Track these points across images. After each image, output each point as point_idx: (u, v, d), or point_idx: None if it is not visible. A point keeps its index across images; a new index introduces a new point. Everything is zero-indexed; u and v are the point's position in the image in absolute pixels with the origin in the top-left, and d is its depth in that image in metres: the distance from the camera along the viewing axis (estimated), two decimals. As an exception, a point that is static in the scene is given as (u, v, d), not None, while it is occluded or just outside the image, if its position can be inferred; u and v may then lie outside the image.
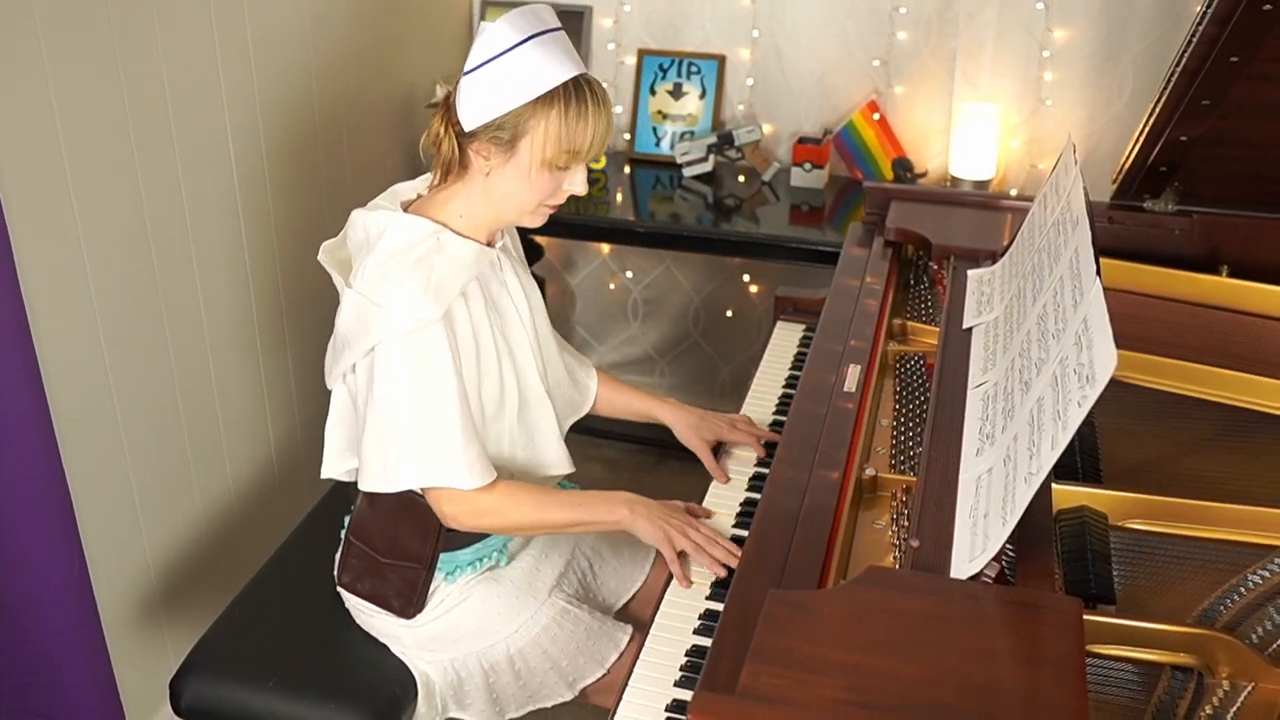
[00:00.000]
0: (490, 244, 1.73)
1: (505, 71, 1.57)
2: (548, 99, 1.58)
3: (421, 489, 1.69)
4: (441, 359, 1.62)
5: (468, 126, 1.61)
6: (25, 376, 1.74)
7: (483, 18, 3.25)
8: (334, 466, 1.82)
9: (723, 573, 1.65)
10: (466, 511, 1.69)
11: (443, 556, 1.79)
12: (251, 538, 2.55)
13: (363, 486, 1.70)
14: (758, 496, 1.75)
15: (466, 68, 1.60)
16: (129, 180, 2.10)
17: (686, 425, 1.97)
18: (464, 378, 1.65)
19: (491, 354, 1.71)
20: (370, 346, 1.62)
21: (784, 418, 1.88)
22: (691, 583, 1.66)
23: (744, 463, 1.93)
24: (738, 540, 1.69)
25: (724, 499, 1.83)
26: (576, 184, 1.68)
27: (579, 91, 1.60)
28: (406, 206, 1.73)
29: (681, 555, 1.68)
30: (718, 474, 1.88)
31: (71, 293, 2.00)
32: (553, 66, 1.58)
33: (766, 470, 1.76)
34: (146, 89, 2.10)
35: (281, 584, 1.98)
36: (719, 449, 1.96)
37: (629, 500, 1.74)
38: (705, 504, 1.82)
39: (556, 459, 1.85)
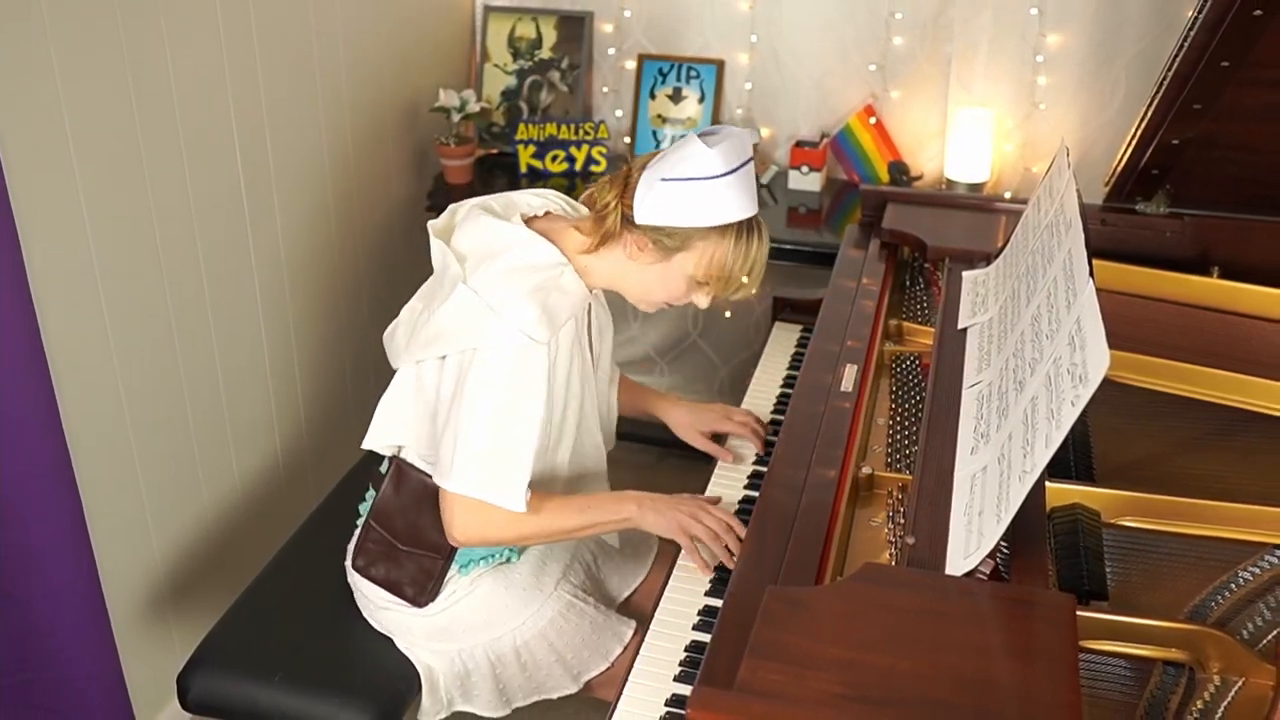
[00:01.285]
0: (591, 289, 1.74)
1: (699, 195, 1.61)
2: (722, 230, 1.63)
3: (456, 497, 1.65)
4: (538, 382, 1.62)
5: (639, 220, 1.64)
6: (34, 377, 1.74)
7: (485, 24, 3.26)
8: (377, 439, 1.79)
9: (732, 564, 1.64)
10: (478, 523, 1.66)
11: (460, 549, 1.78)
12: (257, 535, 2.55)
13: (438, 479, 1.68)
14: (756, 494, 1.75)
15: (664, 172, 1.62)
16: (137, 183, 2.10)
17: (685, 421, 1.98)
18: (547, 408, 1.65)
19: (563, 389, 1.71)
20: (472, 347, 1.61)
21: (782, 417, 1.88)
22: (713, 569, 1.66)
23: (742, 461, 1.93)
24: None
25: (723, 496, 1.83)
26: (703, 300, 1.73)
27: (750, 232, 1.66)
28: (528, 221, 1.72)
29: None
30: (724, 454, 1.89)
31: (80, 293, 2.00)
32: (740, 203, 1.63)
33: (765, 468, 1.76)
34: (154, 95, 2.10)
35: (287, 580, 1.98)
36: (719, 441, 1.96)
37: (636, 497, 1.74)
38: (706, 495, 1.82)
39: (598, 489, 1.87)
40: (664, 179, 1.61)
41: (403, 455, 1.80)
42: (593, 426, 1.82)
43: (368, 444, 1.80)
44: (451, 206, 1.78)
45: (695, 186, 1.60)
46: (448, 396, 1.65)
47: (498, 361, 1.60)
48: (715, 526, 1.68)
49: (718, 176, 1.60)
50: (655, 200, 1.62)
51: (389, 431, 1.78)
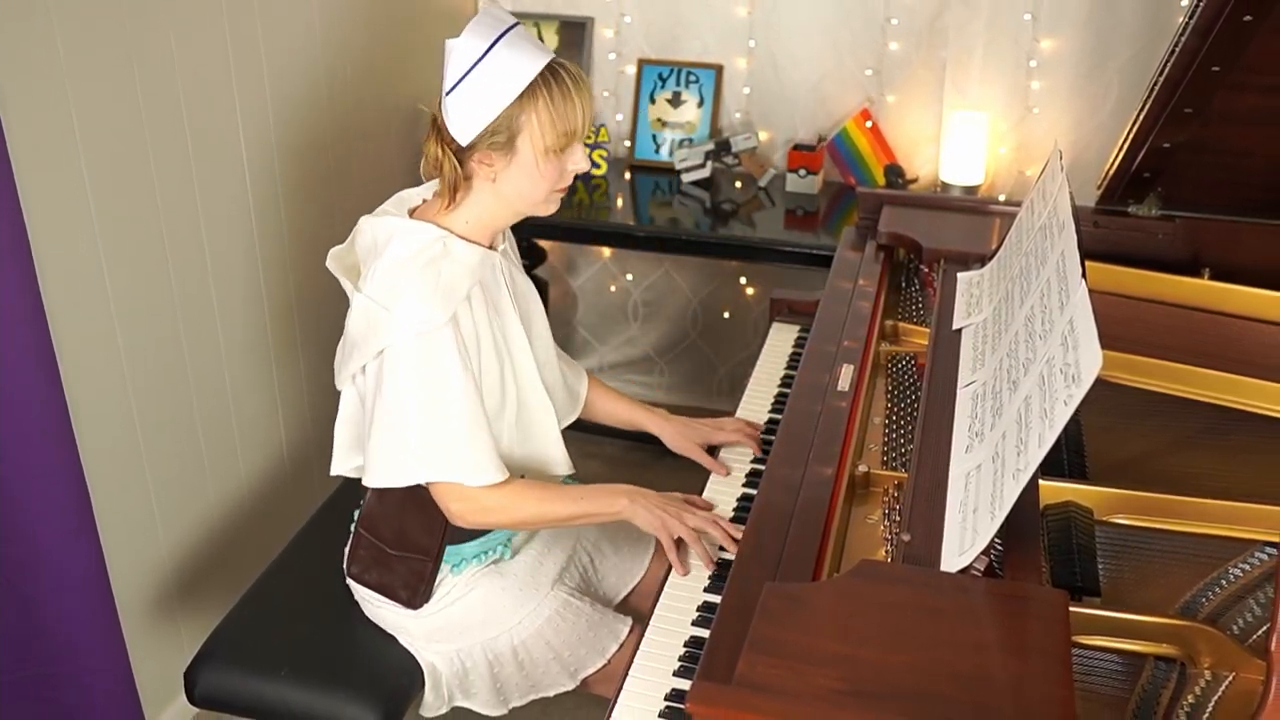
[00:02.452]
0: (492, 247, 1.73)
1: (484, 79, 1.58)
2: (531, 92, 1.59)
3: (429, 484, 1.68)
4: (450, 361, 1.62)
5: (464, 141, 1.61)
6: (44, 377, 1.74)
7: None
8: (342, 464, 1.82)
9: (711, 565, 1.66)
10: (473, 509, 1.69)
11: (448, 549, 1.79)
12: (264, 532, 2.55)
13: (368, 482, 1.71)
14: (754, 492, 1.75)
15: (446, 87, 1.61)
16: (145, 186, 2.10)
17: (675, 434, 1.97)
18: (468, 381, 1.65)
19: (492, 354, 1.71)
20: (379, 349, 1.62)
21: (779, 416, 1.88)
22: (688, 570, 1.66)
23: (740, 460, 1.93)
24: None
25: (721, 495, 1.83)
26: (579, 161, 1.68)
27: (557, 77, 1.61)
28: (412, 213, 1.73)
29: (680, 544, 1.69)
30: (717, 468, 1.88)
31: (89, 296, 2.00)
32: (526, 61, 1.59)
33: (762, 467, 1.76)
34: (161, 95, 2.10)
35: (293, 577, 1.98)
36: (713, 451, 1.96)
37: (629, 491, 1.74)
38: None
39: (556, 458, 1.85)
40: (449, 92, 1.60)
41: None
42: (537, 392, 1.80)
43: (335, 470, 1.82)
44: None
45: (476, 76, 1.58)
46: (370, 402, 1.67)
47: (404, 355, 1.61)
48: (699, 526, 1.68)
49: (486, 54, 1.57)
50: (458, 114, 1.60)
51: (349, 454, 1.80)
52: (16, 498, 1.75)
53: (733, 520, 1.74)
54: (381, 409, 1.64)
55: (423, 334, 1.60)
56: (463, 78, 1.58)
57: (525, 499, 1.71)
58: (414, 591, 1.78)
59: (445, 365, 1.62)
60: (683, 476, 1.95)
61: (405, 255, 1.63)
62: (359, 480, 1.82)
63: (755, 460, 1.91)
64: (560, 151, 1.64)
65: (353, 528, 1.86)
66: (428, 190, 1.77)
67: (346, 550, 1.87)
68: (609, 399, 2.04)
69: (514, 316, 1.76)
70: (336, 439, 1.80)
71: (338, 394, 1.79)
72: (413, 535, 1.77)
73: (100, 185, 1.98)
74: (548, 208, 1.72)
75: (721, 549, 1.68)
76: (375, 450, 1.67)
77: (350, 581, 1.87)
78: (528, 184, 1.66)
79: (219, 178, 2.29)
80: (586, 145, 3.01)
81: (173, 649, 2.32)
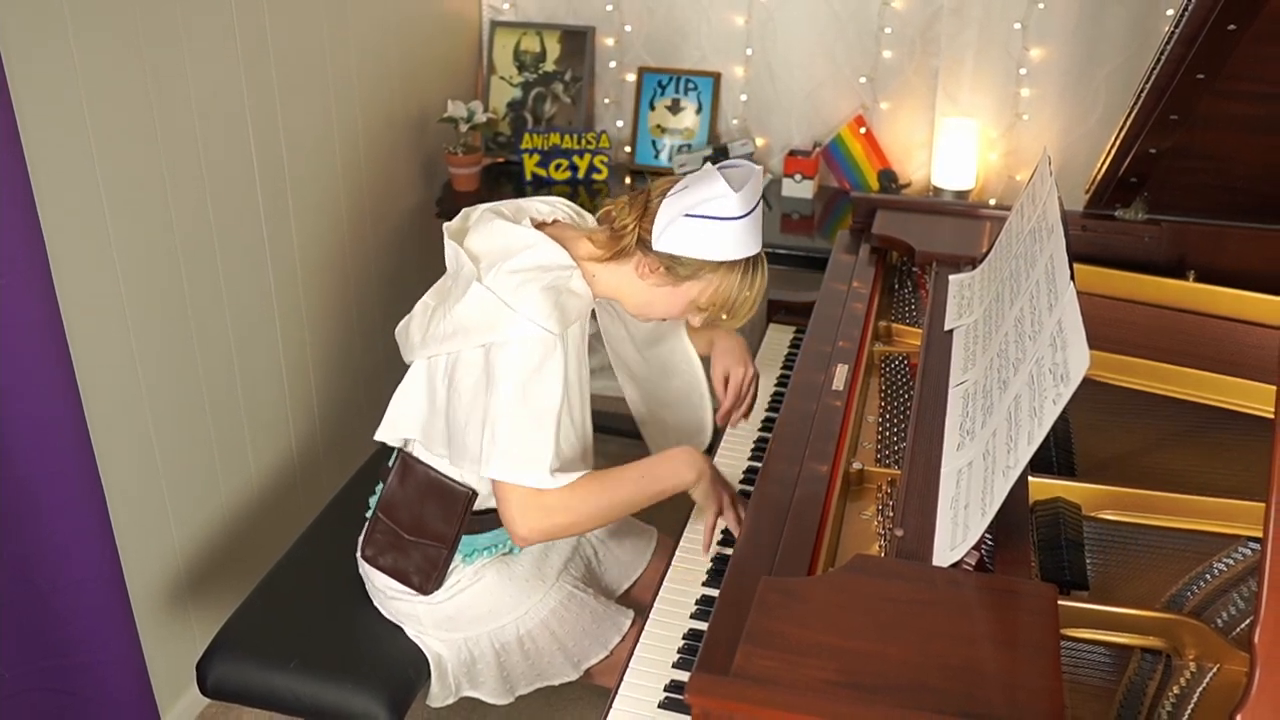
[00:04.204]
0: (596, 296, 1.75)
1: (717, 232, 1.63)
2: (731, 265, 1.66)
3: (498, 491, 1.64)
4: (554, 371, 1.61)
5: (655, 246, 1.65)
6: (60, 376, 1.74)
7: (491, 39, 3.26)
8: (389, 431, 1.79)
9: (728, 534, 1.71)
10: (537, 514, 1.63)
11: (464, 539, 1.78)
12: (273, 527, 2.55)
13: (454, 463, 1.70)
14: (750, 489, 1.75)
15: (689, 208, 1.62)
16: (158, 190, 2.10)
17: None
18: (565, 394, 1.65)
19: (576, 385, 1.71)
20: (489, 342, 1.61)
21: (776, 415, 1.88)
22: (713, 550, 1.70)
23: (740, 453, 1.93)
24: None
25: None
26: (696, 321, 1.76)
27: (755, 268, 1.69)
28: (538, 227, 1.72)
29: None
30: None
31: (104, 298, 2.00)
32: (750, 243, 1.66)
33: (759, 464, 1.76)
34: (175, 106, 2.10)
35: (302, 571, 1.98)
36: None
37: (698, 464, 1.71)
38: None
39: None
40: (688, 214, 1.62)
41: (409, 449, 1.80)
42: (584, 427, 1.80)
43: (380, 435, 1.80)
44: (465, 210, 1.78)
45: (716, 225, 1.62)
46: (464, 391, 1.65)
47: (518, 353, 1.60)
48: (735, 523, 1.71)
49: (735, 219, 1.62)
50: (675, 232, 1.63)
51: (401, 424, 1.78)
52: (32, 494, 1.75)
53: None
54: (486, 400, 1.62)
55: (539, 339, 1.59)
56: (707, 217, 1.62)
57: (587, 492, 1.65)
58: (426, 577, 1.78)
59: (549, 375, 1.61)
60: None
61: (537, 266, 1.64)
62: (370, 472, 1.82)
63: (753, 457, 1.91)
64: (701, 310, 1.71)
65: (369, 513, 1.86)
66: (546, 209, 1.78)
67: (362, 535, 1.87)
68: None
69: (587, 362, 1.78)
70: (393, 406, 1.77)
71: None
72: (431, 523, 1.77)
73: (114, 191, 1.98)
74: (641, 319, 1.81)
75: (723, 537, 1.71)
76: (469, 437, 1.64)
77: (363, 567, 1.87)
78: (659, 304, 1.72)
79: (230, 183, 2.29)
80: (601, 160, 3.06)
81: (185, 641, 2.32)
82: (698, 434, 1.98)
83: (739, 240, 1.64)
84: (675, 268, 1.66)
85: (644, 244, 1.67)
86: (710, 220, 1.62)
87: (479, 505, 1.76)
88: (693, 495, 1.72)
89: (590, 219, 1.81)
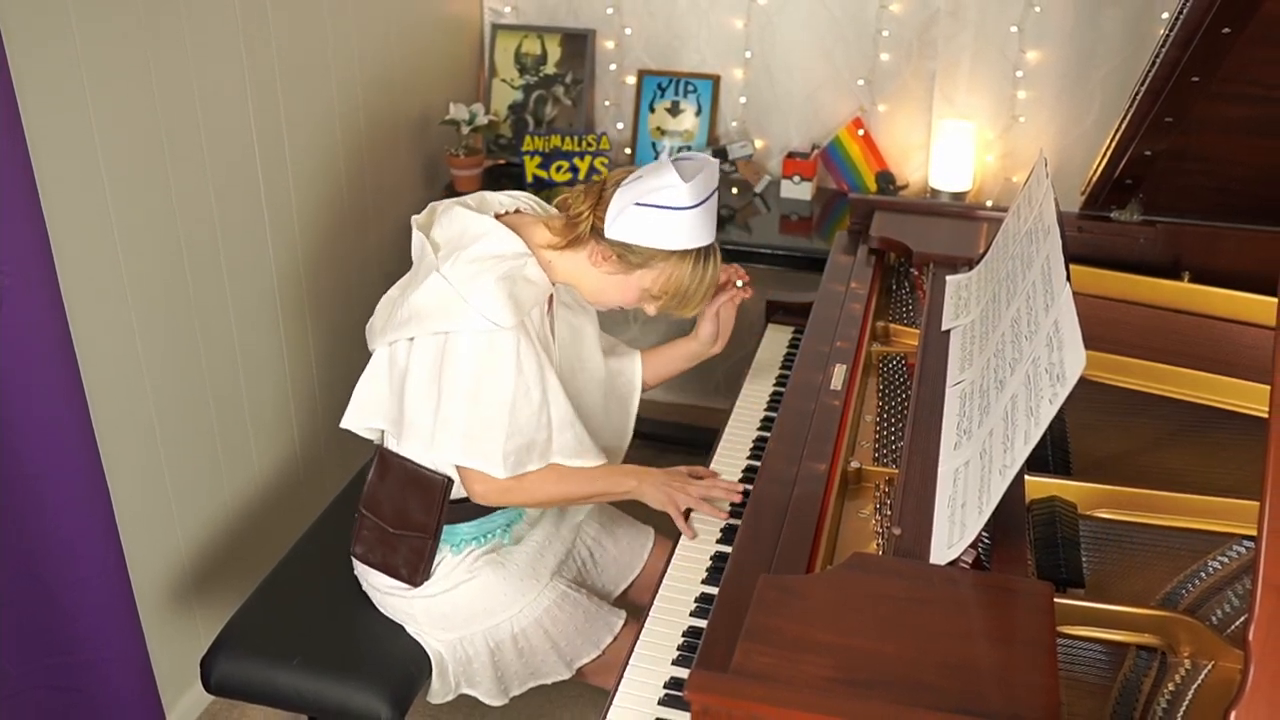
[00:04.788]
0: (553, 282, 1.77)
1: (669, 222, 1.65)
2: (683, 254, 1.68)
3: (458, 466, 1.72)
4: (506, 361, 1.65)
5: (609, 234, 1.68)
6: (64, 376, 1.74)
7: (493, 41, 3.26)
8: (356, 420, 1.82)
9: (724, 515, 1.72)
10: (495, 490, 1.73)
11: (446, 529, 1.80)
12: (277, 526, 2.55)
13: (401, 448, 1.74)
14: (749, 487, 1.75)
15: (639, 197, 1.65)
16: (162, 189, 2.10)
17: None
18: (519, 384, 1.68)
19: (537, 375, 1.72)
20: (443, 330, 1.64)
21: (774, 414, 1.88)
22: (695, 534, 1.71)
23: (736, 455, 1.93)
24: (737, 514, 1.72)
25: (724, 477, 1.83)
26: (651, 310, 1.77)
27: (707, 257, 1.71)
28: (499, 218, 1.75)
29: (687, 513, 1.74)
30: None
31: (108, 298, 2.00)
32: (702, 233, 1.68)
33: (758, 463, 1.76)
34: (179, 105, 2.10)
35: (305, 569, 1.98)
36: (712, 447, 1.96)
37: (637, 472, 1.79)
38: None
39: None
40: (638, 204, 1.64)
41: (386, 445, 1.82)
42: (563, 408, 1.76)
43: (346, 423, 1.83)
44: (432, 204, 1.82)
45: (666, 214, 1.64)
46: (418, 375, 1.69)
47: (468, 344, 1.64)
48: (702, 492, 1.74)
49: (687, 209, 1.64)
50: (627, 220, 1.66)
51: (365, 410, 1.80)
52: (38, 492, 1.75)
53: (730, 515, 1.74)
54: (433, 388, 1.67)
55: (488, 332, 1.63)
56: (657, 206, 1.64)
57: (543, 478, 1.75)
58: (414, 569, 1.80)
59: (501, 365, 1.65)
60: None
61: (491, 255, 1.67)
62: (369, 474, 1.83)
63: (751, 455, 1.91)
64: (655, 298, 1.73)
65: (355, 513, 1.86)
66: (509, 201, 1.81)
67: (352, 535, 1.87)
68: (655, 360, 2.03)
69: (553, 348, 1.81)
70: (357, 394, 1.80)
71: (348, 389, 1.79)
72: (412, 514, 1.78)
73: (118, 192, 1.98)
74: (597, 306, 1.83)
75: (728, 514, 1.73)
76: (420, 422, 1.70)
77: (359, 568, 1.87)
78: (613, 292, 1.74)
79: (233, 181, 2.29)
80: (602, 161, 3.06)
81: (189, 638, 2.32)
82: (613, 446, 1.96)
83: (690, 230, 1.66)
84: (627, 256, 1.68)
85: (597, 232, 1.69)
86: (661, 209, 1.64)
87: (455, 494, 1.78)
88: (645, 500, 1.77)
89: (554, 211, 1.83)
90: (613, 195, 1.67)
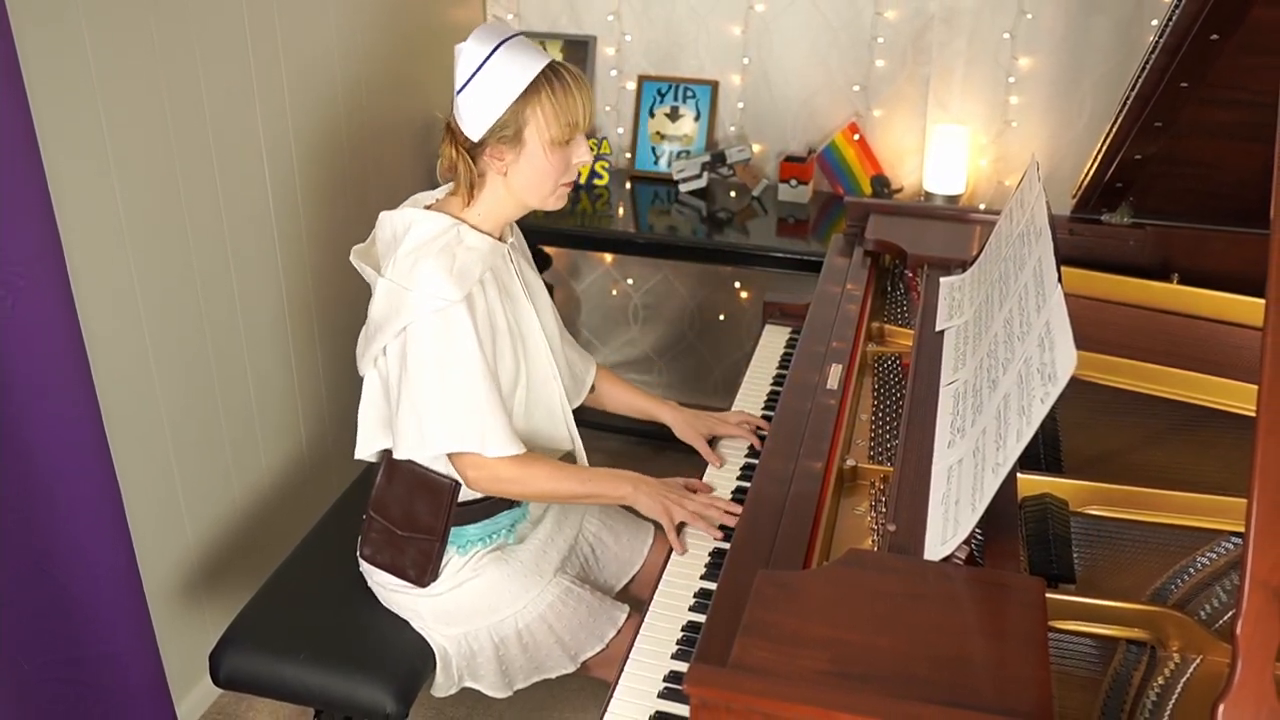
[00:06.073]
0: (501, 239, 1.75)
1: (491, 78, 1.62)
2: (534, 88, 1.64)
3: (449, 454, 1.70)
4: (465, 336, 1.64)
5: (474, 137, 1.65)
6: (76, 375, 1.74)
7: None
8: (366, 448, 1.82)
9: (719, 535, 1.69)
10: (488, 477, 1.71)
11: (453, 531, 1.79)
12: (284, 522, 2.55)
13: (399, 455, 1.72)
14: (748, 484, 1.75)
15: (457, 88, 1.65)
16: (171, 192, 2.10)
17: (684, 423, 1.98)
18: (485, 356, 1.67)
19: (506, 337, 1.73)
20: (401, 327, 1.64)
21: (772, 413, 1.88)
22: (686, 549, 1.69)
23: (735, 454, 1.93)
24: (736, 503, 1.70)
25: (717, 487, 1.83)
26: (583, 154, 1.72)
27: (558, 74, 1.67)
28: (427, 209, 1.75)
29: (680, 526, 1.71)
30: (713, 459, 1.90)
31: (119, 300, 2.00)
32: (528, 61, 1.64)
33: (756, 460, 1.76)
34: (188, 107, 2.11)
35: (312, 565, 1.98)
36: (713, 442, 1.96)
37: (633, 479, 1.77)
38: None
39: (563, 435, 1.87)
40: (459, 92, 1.64)
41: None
42: (548, 372, 1.81)
43: (359, 454, 1.83)
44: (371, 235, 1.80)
45: (483, 76, 1.62)
46: (395, 377, 1.69)
47: (424, 330, 1.63)
48: (698, 509, 1.72)
49: (490, 56, 1.62)
50: (469, 113, 1.64)
51: (373, 438, 1.80)
52: (50, 491, 1.75)
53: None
54: (405, 384, 1.66)
55: (440, 311, 1.62)
56: (471, 77, 1.63)
57: (537, 474, 1.73)
58: (422, 570, 1.79)
59: (462, 342, 1.64)
60: (681, 471, 1.95)
61: (422, 240, 1.66)
62: (375, 473, 1.82)
63: (749, 454, 1.91)
64: (565, 143, 1.68)
65: (364, 515, 1.86)
66: (440, 192, 1.80)
67: (360, 536, 1.87)
68: (624, 391, 2.06)
69: (525, 302, 1.79)
70: (360, 423, 1.80)
71: (354, 387, 1.80)
72: (420, 517, 1.77)
73: (128, 192, 1.98)
74: (555, 202, 1.74)
75: (723, 533, 1.69)
76: (403, 423, 1.68)
77: (363, 565, 1.87)
78: (536, 175, 1.69)
79: (241, 183, 2.29)
80: (602, 165, 3.06)
81: (198, 633, 2.32)
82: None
83: (513, 69, 1.63)
84: (504, 135, 1.65)
85: (473, 150, 1.67)
86: (477, 77, 1.63)
87: (463, 496, 1.77)
88: (638, 508, 1.76)
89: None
90: (454, 119, 1.67)
